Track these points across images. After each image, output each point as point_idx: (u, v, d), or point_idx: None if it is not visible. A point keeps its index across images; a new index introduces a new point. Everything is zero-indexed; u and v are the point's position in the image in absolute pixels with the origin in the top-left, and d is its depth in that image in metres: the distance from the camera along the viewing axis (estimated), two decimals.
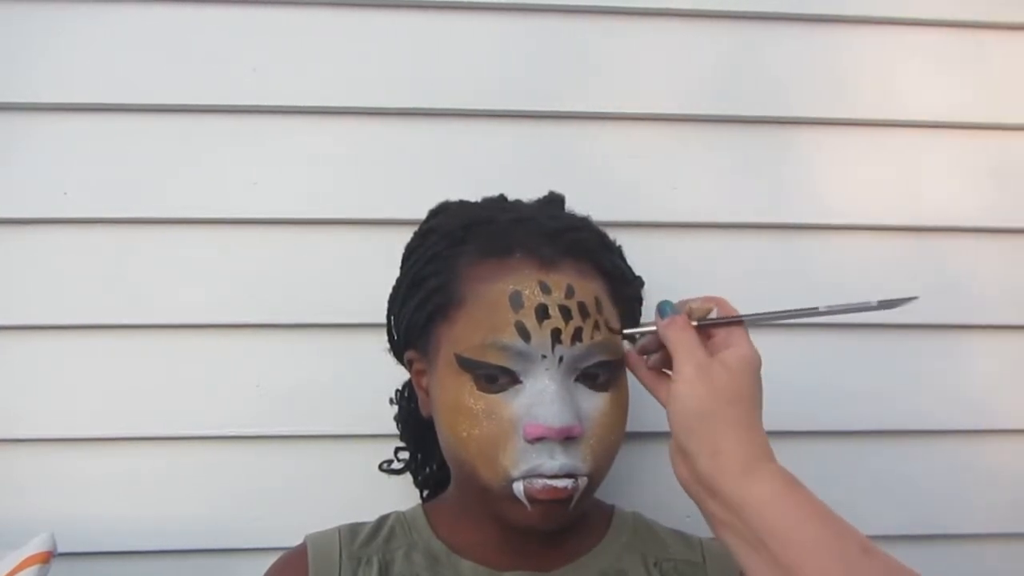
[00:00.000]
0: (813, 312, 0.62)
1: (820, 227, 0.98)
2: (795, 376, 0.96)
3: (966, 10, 1.00)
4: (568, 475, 0.60)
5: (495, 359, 0.60)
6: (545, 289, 0.61)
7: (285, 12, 0.94)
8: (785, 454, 0.95)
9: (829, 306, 0.61)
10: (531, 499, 0.59)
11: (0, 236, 0.91)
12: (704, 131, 0.98)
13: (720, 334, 0.61)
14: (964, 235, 0.99)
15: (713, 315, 0.63)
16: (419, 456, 0.81)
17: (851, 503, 0.95)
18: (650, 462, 0.94)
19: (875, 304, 0.60)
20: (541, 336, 0.60)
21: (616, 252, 0.71)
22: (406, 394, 0.81)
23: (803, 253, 0.98)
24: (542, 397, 0.60)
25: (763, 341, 0.93)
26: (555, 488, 0.59)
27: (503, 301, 0.61)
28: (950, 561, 0.97)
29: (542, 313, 0.60)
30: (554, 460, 0.59)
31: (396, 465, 0.83)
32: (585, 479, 0.61)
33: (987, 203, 1.00)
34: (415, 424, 0.78)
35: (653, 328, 0.63)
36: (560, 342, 0.60)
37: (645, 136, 0.97)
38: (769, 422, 0.95)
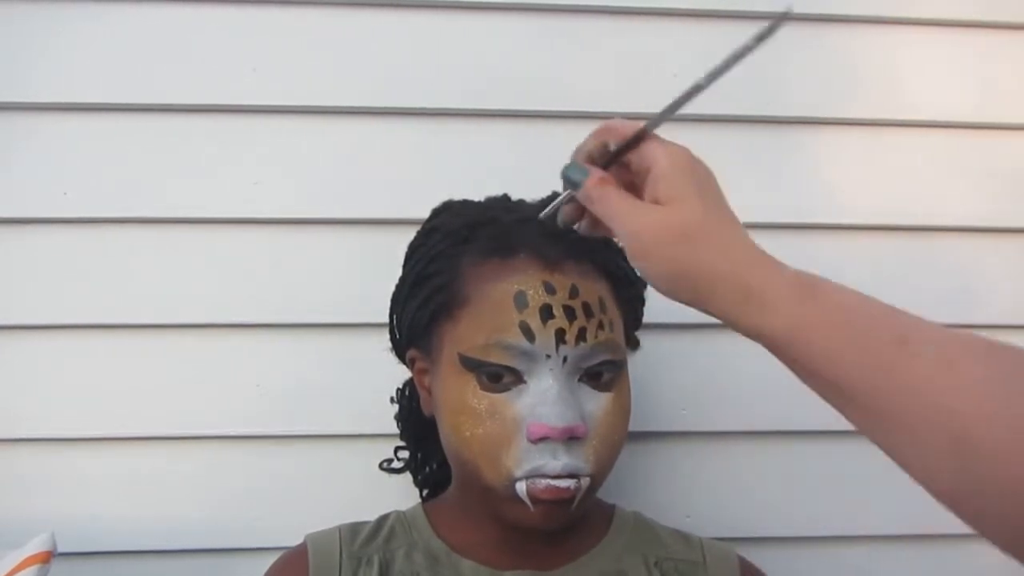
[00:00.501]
0: (697, 89, 0.53)
1: (820, 227, 0.98)
2: (793, 376, 0.96)
3: (967, 10, 1.00)
4: (571, 475, 0.60)
5: (499, 359, 0.60)
6: (549, 289, 0.61)
7: (285, 12, 0.94)
8: (787, 453, 0.96)
9: (708, 73, 0.52)
10: (534, 499, 0.59)
11: (0, 236, 0.91)
12: (704, 131, 0.98)
13: (633, 159, 0.53)
14: (966, 235, 0.99)
15: (612, 147, 0.55)
16: (419, 455, 0.81)
17: (852, 502, 0.96)
18: (650, 462, 0.94)
19: (751, 42, 0.50)
20: (545, 336, 0.60)
21: (619, 253, 0.70)
22: (407, 393, 0.81)
23: (803, 253, 0.97)
24: (545, 397, 0.60)
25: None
26: (558, 488, 0.59)
27: (507, 301, 0.61)
28: (950, 561, 0.97)
29: (546, 313, 0.60)
30: (557, 460, 0.59)
31: (396, 464, 0.83)
32: (588, 479, 0.61)
33: (989, 203, 1.00)
34: (416, 423, 0.78)
35: (568, 195, 0.56)
36: (564, 342, 0.60)
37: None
38: (771, 422, 0.96)
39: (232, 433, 0.91)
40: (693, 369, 0.95)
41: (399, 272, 0.72)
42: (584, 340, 0.61)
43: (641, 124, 0.53)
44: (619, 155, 0.54)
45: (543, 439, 0.59)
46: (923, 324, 0.44)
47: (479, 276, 0.63)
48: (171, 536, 0.90)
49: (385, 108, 0.95)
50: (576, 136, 0.95)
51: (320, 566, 0.67)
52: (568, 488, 0.59)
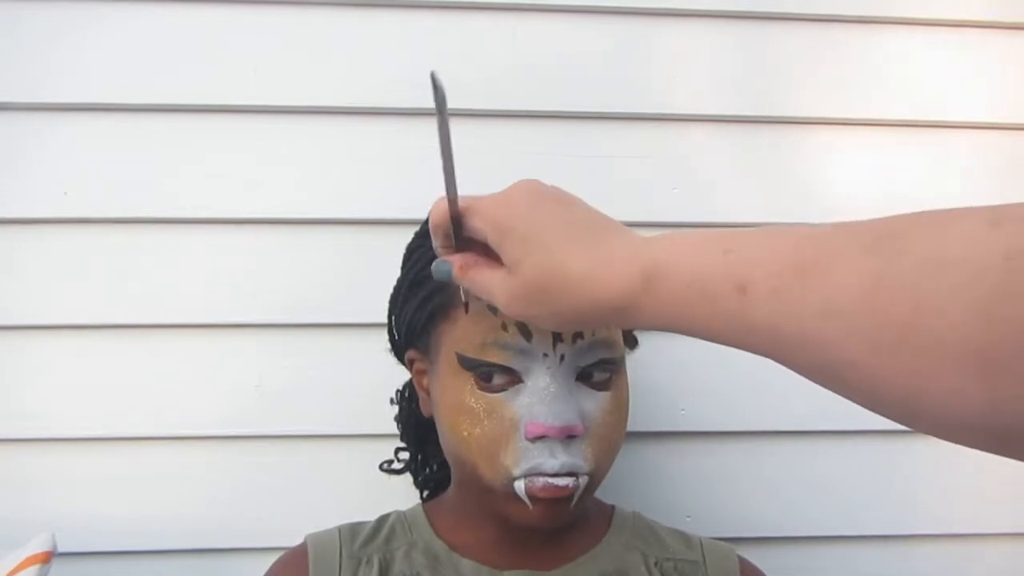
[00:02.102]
0: (448, 173, 0.54)
1: None
2: (794, 376, 0.96)
3: (966, 10, 1.00)
4: (569, 473, 0.60)
5: (496, 358, 0.60)
6: None
7: (285, 12, 0.94)
8: (786, 453, 0.96)
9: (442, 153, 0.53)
10: (532, 497, 0.60)
11: (0, 236, 0.91)
12: (704, 131, 0.98)
13: (472, 235, 0.55)
14: None
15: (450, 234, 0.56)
16: (419, 457, 0.81)
17: (851, 503, 0.96)
18: (650, 462, 0.94)
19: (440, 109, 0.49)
20: (542, 334, 0.60)
21: None
22: (406, 394, 0.81)
23: None
24: (543, 396, 0.60)
25: None
26: (556, 486, 0.59)
27: None
28: (950, 561, 0.97)
29: None
30: (555, 459, 0.59)
31: (396, 465, 0.83)
32: (586, 478, 0.61)
33: (988, 203, 1.00)
34: (416, 424, 0.78)
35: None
36: (561, 340, 0.60)
37: (645, 136, 0.97)
38: (771, 422, 0.96)
39: (232, 433, 0.91)
40: (692, 369, 0.95)
41: (398, 272, 0.72)
42: (581, 338, 0.61)
43: (445, 204, 0.54)
44: (459, 239, 0.55)
45: (541, 438, 0.59)
46: (768, 257, 0.41)
47: None
48: (171, 536, 0.90)
49: (385, 108, 0.95)
50: (575, 137, 0.96)
51: (320, 566, 0.67)
52: (566, 486, 0.59)
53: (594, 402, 0.62)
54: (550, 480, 0.59)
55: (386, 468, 0.82)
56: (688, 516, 0.93)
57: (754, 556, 0.74)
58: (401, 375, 0.77)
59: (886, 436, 0.97)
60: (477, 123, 0.95)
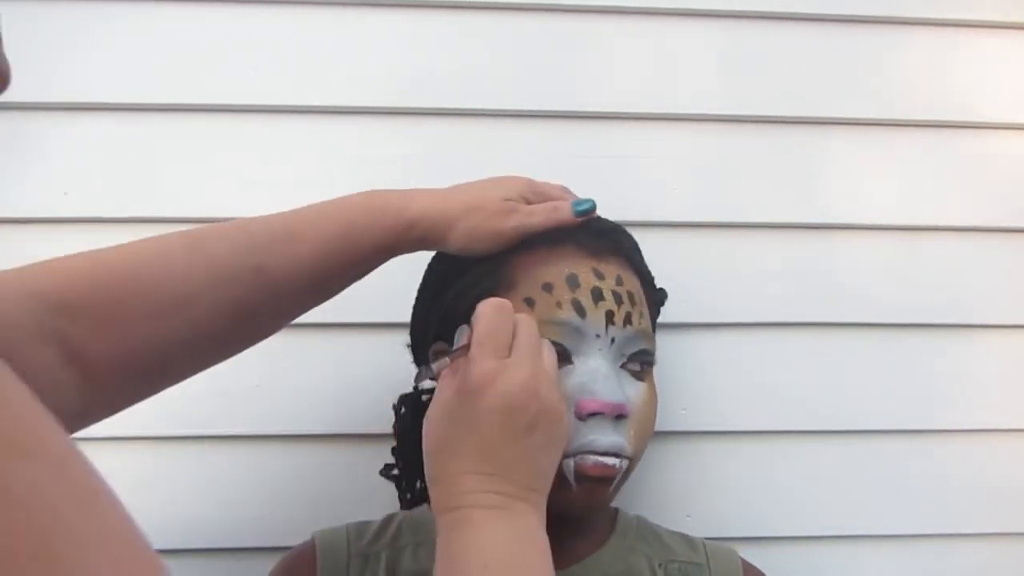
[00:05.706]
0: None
1: (821, 227, 0.98)
2: (794, 376, 0.96)
3: (966, 11, 1.00)
4: (615, 454, 0.61)
5: (551, 335, 0.61)
6: (598, 275, 0.64)
7: (285, 12, 0.94)
8: (786, 453, 0.96)
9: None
10: (581, 475, 0.61)
11: (1, 236, 0.91)
12: (704, 131, 0.98)
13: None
14: (965, 235, 1.00)
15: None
16: (409, 470, 0.79)
17: (851, 503, 0.96)
18: (650, 462, 0.94)
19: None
20: (596, 315, 0.62)
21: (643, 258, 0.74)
22: (410, 403, 0.79)
23: (803, 253, 0.98)
24: (596, 375, 0.62)
25: (761, 341, 0.94)
26: (604, 465, 0.61)
27: (560, 281, 0.63)
28: (949, 561, 0.97)
29: (597, 295, 0.63)
30: (606, 437, 0.61)
31: (396, 472, 0.82)
32: (626, 461, 0.63)
33: (988, 204, 1.00)
34: (419, 435, 0.76)
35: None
36: (613, 323, 0.63)
37: (645, 136, 0.97)
38: (771, 421, 0.96)
39: (232, 433, 0.91)
40: (693, 369, 0.95)
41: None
42: (631, 324, 0.64)
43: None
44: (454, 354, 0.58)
45: (594, 414, 0.60)
46: None
47: (528, 262, 0.65)
48: (172, 536, 0.90)
49: (385, 108, 0.95)
50: (576, 137, 0.96)
51: (328, 563, 0.67)
52: (613, 466, 0.61)
53: (635, 390, 0.64)
54: (599, 458, 0.60)
55: (387, 475, 0.82)
56: (688, 516, 0.93)
57: (754, 556, 0.74)
58: (400, 375, 0.77)
59: (886, 436, 0.97)
60: (478, 123, 0.95)
